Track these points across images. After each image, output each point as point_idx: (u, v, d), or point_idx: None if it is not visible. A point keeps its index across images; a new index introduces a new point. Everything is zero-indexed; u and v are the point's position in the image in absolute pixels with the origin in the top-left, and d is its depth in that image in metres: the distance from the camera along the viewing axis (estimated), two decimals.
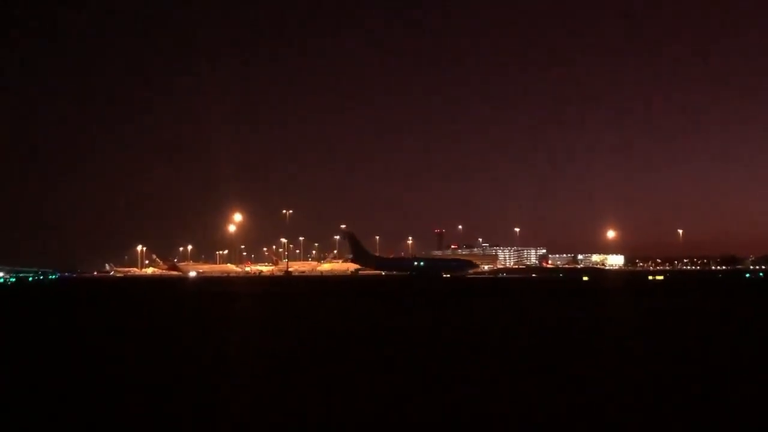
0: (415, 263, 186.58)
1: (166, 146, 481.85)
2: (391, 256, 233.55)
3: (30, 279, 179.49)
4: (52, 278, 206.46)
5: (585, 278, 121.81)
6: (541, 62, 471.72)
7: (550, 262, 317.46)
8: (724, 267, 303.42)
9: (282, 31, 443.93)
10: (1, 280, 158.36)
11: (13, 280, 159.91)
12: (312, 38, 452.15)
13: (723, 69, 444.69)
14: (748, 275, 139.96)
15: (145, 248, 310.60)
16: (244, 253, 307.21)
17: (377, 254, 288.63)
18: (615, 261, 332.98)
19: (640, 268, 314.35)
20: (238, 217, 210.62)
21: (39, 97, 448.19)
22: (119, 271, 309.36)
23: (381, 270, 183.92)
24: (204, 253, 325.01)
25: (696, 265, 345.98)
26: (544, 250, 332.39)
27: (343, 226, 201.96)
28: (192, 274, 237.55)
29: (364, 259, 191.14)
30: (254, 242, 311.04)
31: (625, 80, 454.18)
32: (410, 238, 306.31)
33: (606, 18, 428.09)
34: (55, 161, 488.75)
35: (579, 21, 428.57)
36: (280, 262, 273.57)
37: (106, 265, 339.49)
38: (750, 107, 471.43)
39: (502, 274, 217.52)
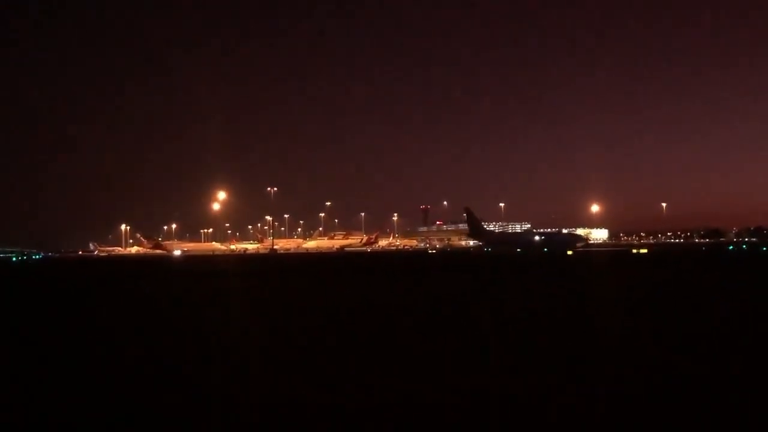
0: (536, 237, 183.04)
1: (150, 125, 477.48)
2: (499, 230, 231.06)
3: (13, 259, 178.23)
4: (35, 258, 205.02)
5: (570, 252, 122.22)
6: (527, 41, 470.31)
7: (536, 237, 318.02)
8: (707, 240, 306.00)
9: (269, 10, 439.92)
10: None
11: None
12: (299, 18, 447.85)
13: (705, 45, 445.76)
14: (731, 247, 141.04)
15: (129, 227, 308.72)
16: (229, 231, 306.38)
17: (364, 231, 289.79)
18: (599, 235, 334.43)
19: (624, 242, 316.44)
20: (222, 195, 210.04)
21: (23, 78, 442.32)
22: (103, 250, 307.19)
23: (493, 245, 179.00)
24: (189, 232, 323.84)
25: (679, 238, 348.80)
26: (529, 225, 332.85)
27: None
28: (177, 252, 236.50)
29: (480, 235, 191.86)
30: (239, 220, 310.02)
31: (609, 57, 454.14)
32: (395, 214, 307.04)
33: None
34: (38, 141, 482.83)
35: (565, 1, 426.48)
36: (265, 239, 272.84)
37: (90, 244, 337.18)
38: (732, 82, 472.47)
39: (487, 249, 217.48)
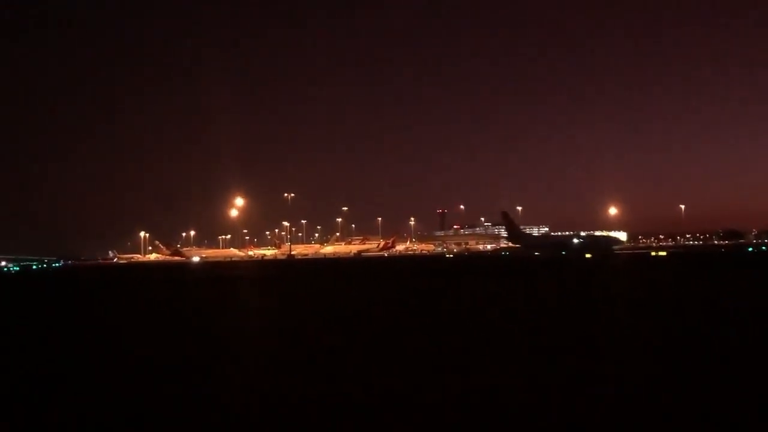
0: (576, 240, 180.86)
1: (168, 132, 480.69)
2: (536, 233, 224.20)
3: (34, 267, 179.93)
4: (55, 266, 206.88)
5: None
6: (540, 39, 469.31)
7: None
8: (726, 241, 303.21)
9: (284, 13, 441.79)
10: (5, 269, 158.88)
11: (17, 268, 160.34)
12: (313, 19, 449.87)
13: (723, 46, 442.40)
14: (750, 249, 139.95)
15: (147, 234, 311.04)
16: (247, 237, 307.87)
17: (380, 236, 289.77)
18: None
19: (643, 244, 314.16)
20: (239, 201, 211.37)
21: (39, 84, 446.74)
22: (122, 258, 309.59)
23: (532, 249, 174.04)
24: (207, 238, 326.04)
25: (698, 240, 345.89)
26: (547, 228, 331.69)
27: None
28: (195, 259, 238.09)
29: (517, 238, 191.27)
30: (257, 226, 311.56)
31: (625, 57, 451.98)
32: (412, 219, 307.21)
33: None
34: (56, 149, 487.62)
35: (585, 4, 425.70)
36: (282, 245, 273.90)
37: (109, 252, 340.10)
38: (751, 82, 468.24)
39: (505, 252, 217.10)
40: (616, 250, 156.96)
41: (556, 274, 49.80)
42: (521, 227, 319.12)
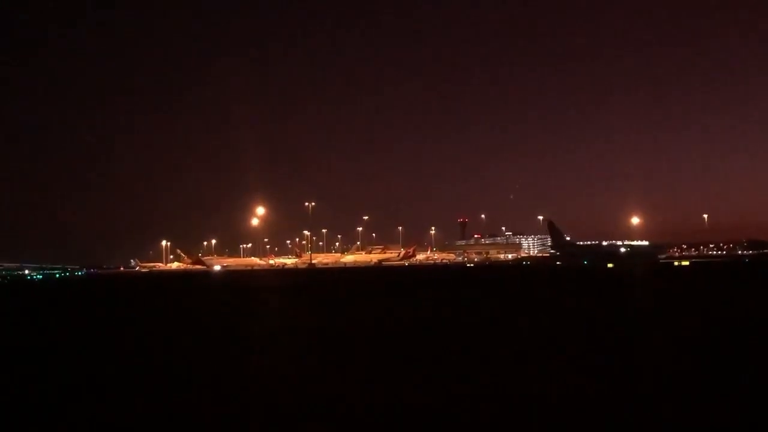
0: (623, 249, 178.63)
1: (189, 141, 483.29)
2: (585, 242, 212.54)
3: (57, 276, 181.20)
4: (78, 275, 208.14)
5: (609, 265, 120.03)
6: (559, 48, 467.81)
7: None
8: (750, 251, 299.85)
9: (304, 23, 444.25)
10: (28, 278, 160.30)
11: (40, 277, 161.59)
12: (335, 29, 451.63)
13: (747, 53, 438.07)
14: None
15: (169, 243, 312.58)
16: (268, 246, 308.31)
17: (401, 245, 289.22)
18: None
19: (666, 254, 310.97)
20: (261, 210, 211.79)
21: (61, 95, 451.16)
22: (144, 266, 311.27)
23: (576, 258, 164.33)
24: (228, 247, 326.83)
25: (722, 250, 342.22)
26: (568, 238, 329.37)
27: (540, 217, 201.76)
28: (217, 267, 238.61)
29: (563, 247, 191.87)
30: (278, 235, 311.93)
31: (647, 65, 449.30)
32: (433, 228, 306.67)
33: (629, 1, 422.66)
34: (78, 159, 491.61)
35: (598, 3, 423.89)
36: (303, 254, 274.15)
37: (131, 260, 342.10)
38: None
39: (526, 262, 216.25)
40: (663, 260, 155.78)
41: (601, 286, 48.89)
42: (544, 236, 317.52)
